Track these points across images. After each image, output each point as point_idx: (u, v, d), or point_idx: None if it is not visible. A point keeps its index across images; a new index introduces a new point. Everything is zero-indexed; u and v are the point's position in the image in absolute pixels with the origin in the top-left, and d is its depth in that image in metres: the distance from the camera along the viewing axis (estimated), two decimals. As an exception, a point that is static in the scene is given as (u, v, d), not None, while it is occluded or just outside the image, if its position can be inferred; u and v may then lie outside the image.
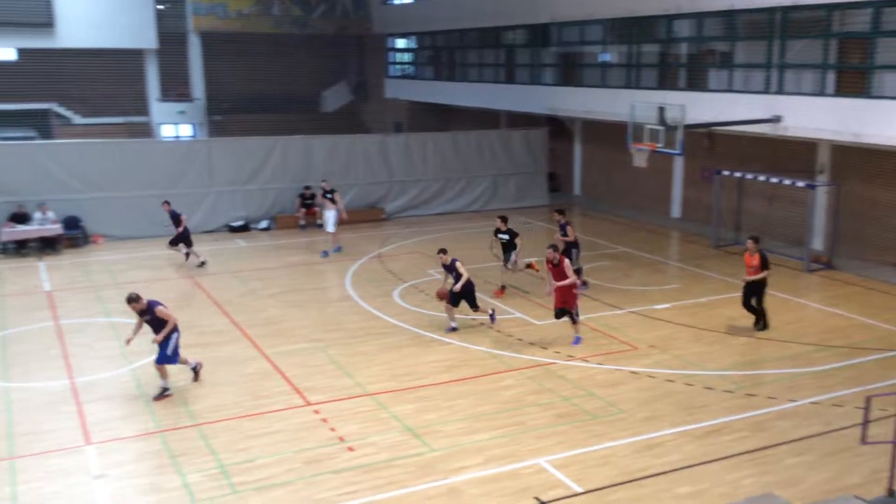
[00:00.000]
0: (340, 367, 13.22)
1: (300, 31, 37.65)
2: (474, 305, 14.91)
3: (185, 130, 37.44)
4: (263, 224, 24.26)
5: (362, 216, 25.23)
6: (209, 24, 36.36)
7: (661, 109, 18.88)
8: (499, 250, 17.78)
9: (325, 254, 20.88)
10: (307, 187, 24.21)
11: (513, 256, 17.09)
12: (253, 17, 36.86)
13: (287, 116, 36.79)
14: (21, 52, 33.82)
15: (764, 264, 14.53)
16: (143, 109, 36.43)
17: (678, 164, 24.82)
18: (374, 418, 11.34)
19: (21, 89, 33.84)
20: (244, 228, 23.94)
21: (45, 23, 32.90)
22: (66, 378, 12.70)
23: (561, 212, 18.02)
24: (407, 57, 38.32)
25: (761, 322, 14.85)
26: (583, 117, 26.76)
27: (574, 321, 14.16)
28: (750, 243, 14.73)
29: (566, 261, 14.04)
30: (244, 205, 24.13)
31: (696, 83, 22.25)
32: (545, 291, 14.75)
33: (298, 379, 12.70)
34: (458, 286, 14.66)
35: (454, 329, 14.84)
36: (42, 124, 33.99)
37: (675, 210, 25.45)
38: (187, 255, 19.80)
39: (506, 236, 17.17)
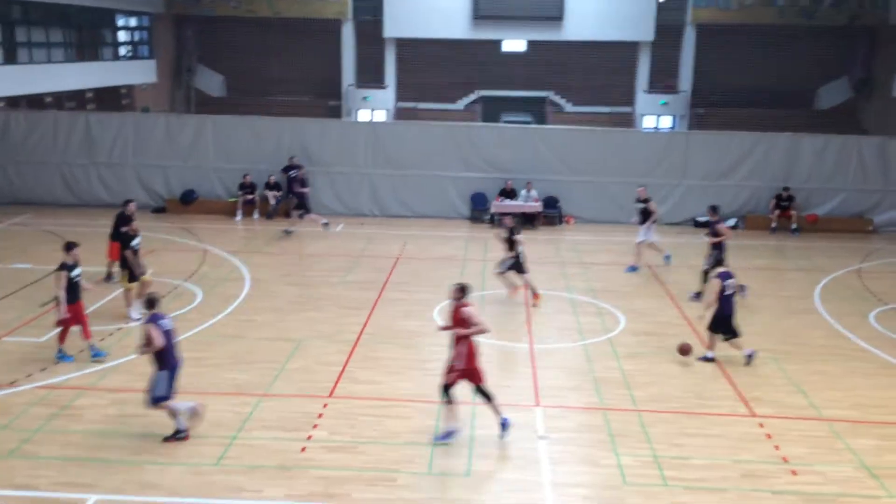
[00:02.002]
0: (794, 384, 12.25)
1: (806, 21, 35.15)
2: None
3: (665, 122, 37.84)
4: (731, 222, 23.39)
5: (844, 225, 22.97)
6: (708, 15, 35.97)
7: None
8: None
9: (667, 258, 18.97)
10: (786, 188, 22.80)
11: (507, 262, 15.82)
12: (755, 8, 35.39)
13: (774, 112, 34.91)
14: (530, 43, 37.39)
15: None
16: (628, 100, 37.68)
17: None
18: (825, 446, 10.32)
19: (526, 78, 37.49)
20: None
21: (556, 16, 35.77)
22: (526, 342, 13.87)
23: (714, 209, 16.80)
24: (927, 50, 33.47)
25: None
26: None
27: (447, 398, 10.17)
28: None
29: (466, 309, 10.01)
30: (715, 200, 23.45)
31: None
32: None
33: (746, 387, 12.09)
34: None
35: (710, 359, 12.99)
36: (538, 110, 37.28)
37: None
38: (301, 216, 21.23)
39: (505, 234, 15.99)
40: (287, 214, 23.46)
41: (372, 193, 23.96)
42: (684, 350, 13.04)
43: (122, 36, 33.74)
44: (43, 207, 23.32)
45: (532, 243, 21.28)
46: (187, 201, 23.79)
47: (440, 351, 13.24)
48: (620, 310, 15.61)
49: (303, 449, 9.98)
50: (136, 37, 34.55)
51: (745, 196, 23.41)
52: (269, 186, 23.26)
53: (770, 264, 19.84)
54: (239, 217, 23.15)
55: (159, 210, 23.79)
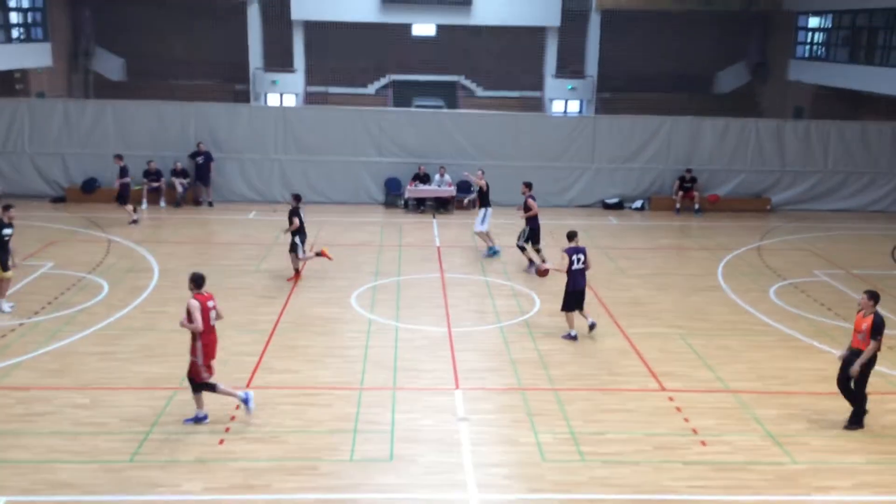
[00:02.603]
0: (701, 358, 12.75)
1: (705, 8, 36.22)
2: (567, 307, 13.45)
3: (574, 106, 38.49)
4: (638, 203, 24.13)
5: (744, 205, 23.94)
6: (612, 1, 36.59)
7: None
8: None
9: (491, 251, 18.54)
10: (689, 170, 23.59)
11: (298, 242, 15.94)
12: (658, -5, 36.31)
13: (677, 96, 35.96)
14: (440, 28, 37.35)
15: (875, 331, 10.08)
16: (537, 84, 38.12)
17: None
18: (732, 417, 10.79)
19: (436, 62, 37.42)
20: (618, 206, 24.05)
21: (464, 1, 35.82)
22: (444, 326, 13.95)
23: (527, 185, 17.39)
24: (818, 37, 35.08)
25: (855, 418, 10.59)
26: None
27: (196, 387, 10.09)
28: (863, 299, 10.33)
29: (189, 302, 9.80)
30: (622, 183, 24.21)
31: None
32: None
33: (655, 363, 12.52)
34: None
35: (573, 337, 13.38)
36: (449, 95, 37.35)
37: None
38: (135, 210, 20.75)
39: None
40: (196, 202, 22.88)
41: (283, 180, 23.54)
42: (540, 272, 14.51)
43: (14, 17, 31.98)
44: (-69, 198, 22.03)
45: (446, 228, 21.45)
46: (89, 190, 22.88)
47: (359, 337, 13.26)
48: (535, 292, 15.88)
49: (221, 441, 9.79)
50: (30, 18, 32.83)
51: (650, 178, 24.12)
52: (175, 174, 22.58)
53: (675, 244, 20.52)
54: (144, 206, 22.37)
55: (59, 200, 22.79)
